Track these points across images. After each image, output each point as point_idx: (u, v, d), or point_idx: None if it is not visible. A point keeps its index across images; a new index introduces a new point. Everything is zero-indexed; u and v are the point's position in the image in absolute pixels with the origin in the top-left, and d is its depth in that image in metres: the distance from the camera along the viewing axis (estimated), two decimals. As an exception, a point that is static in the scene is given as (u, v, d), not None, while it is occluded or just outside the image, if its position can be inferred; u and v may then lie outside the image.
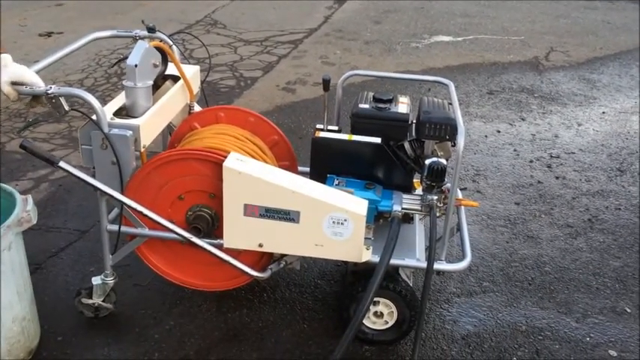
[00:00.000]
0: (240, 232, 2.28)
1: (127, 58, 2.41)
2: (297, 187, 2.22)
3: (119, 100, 2.48)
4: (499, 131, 4.64)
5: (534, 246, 3.27)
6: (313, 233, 2.24)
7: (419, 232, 2.65)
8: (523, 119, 4.86)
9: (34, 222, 2.23)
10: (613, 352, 2.58)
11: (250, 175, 2.18)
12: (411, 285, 2.51)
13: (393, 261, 2.30)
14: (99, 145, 2.26)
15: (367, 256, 2.31)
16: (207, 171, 2.28)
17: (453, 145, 2.43)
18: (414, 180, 2.58)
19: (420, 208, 2.41)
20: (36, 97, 2.18)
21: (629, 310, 2.82)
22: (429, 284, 2.22)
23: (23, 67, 2.16)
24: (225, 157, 2.23)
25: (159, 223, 2.32)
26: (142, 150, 2.33)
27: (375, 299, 2.44)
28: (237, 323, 2.65)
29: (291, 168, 2.68)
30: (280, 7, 7.93)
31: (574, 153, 4.33)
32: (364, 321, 2.50)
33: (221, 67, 5.78)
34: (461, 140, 2.25)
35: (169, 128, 2.81)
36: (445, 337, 2.62)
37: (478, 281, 2.98)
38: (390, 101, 2.53)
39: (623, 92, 5.48)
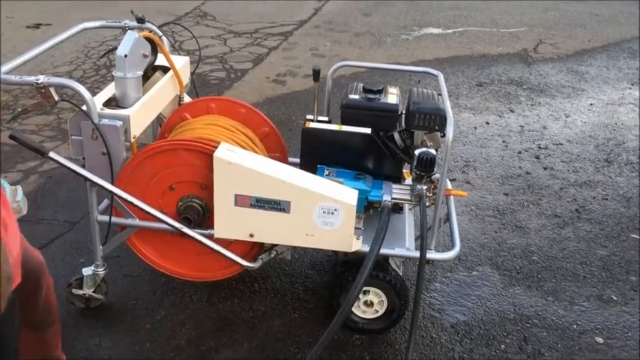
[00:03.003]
0: (231, 223, 2.29)
1: (116, 49, 2.41)
2: (288, 177, 2.23)
3: (109, 91, 2.47)
4: (488, 123, 4.67)
5: (522, 236, 3.30)
6: (304, 223, 2.26)
7: (408, 221, 2.68)
8: (512, 111, 4.89)
9: (25, 213, 2.22)
10: (599, 339, 2.62)
11: (241, 165, 2.19)
12: (400, 274, 2.53)
13: (383, 250, 2.32)
14: (89, 136, 2.26)
15: (357, 245, 2.33)
16: (197, 161, 2.29)
17: (442, 136, 2.45)
18: (404, 170, 2.60)
19: (409, 198, 2.44)
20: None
21: (615, 298, 2.86)
22: (423, 274, 2.24)
23: None
24: (216, 147, 2.24)
25: (149, 214, 2.32)
26: (132, 140, 2.33)
27: (366, 288, 2.46)
28: (229, 313, 2.66)
29: (282, 159, 2.69)
30: (270, -1, 7.91)
31: (562, 144, 4.37)
32: (355, 310, 2.52)
33: (211, 59, 5.77)
34: (450, 131, 2.27)
35: (159, 119, 2.81)
36: (434, 325, 2.65)
37: (467, 270, 3.01)
38: (379, 92, 2.54)
39: (610, 84, 5.52)
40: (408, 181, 2.55)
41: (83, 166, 2.32)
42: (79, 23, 2.66)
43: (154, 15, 6.77)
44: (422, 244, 2.24)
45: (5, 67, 2.20)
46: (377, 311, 2.52)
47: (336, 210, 2.23)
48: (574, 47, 6.48)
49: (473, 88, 5.32)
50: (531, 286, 2.92)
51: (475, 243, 3.22)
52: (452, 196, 2.72)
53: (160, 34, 2.73)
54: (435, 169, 2.37)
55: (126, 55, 2.37)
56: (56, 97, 2.18)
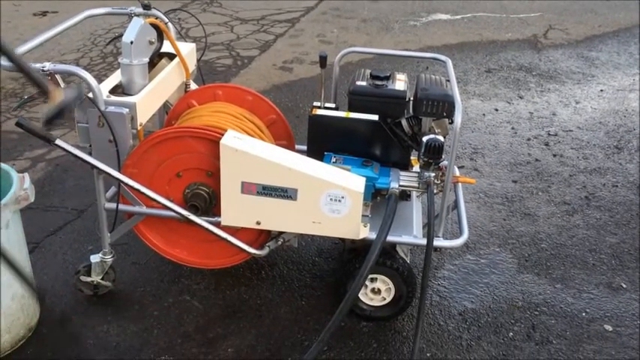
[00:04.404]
0: (238, 210, 2.29)
1: (122, 36, 2.40)
2: (295, 164, 2.22)
3: (115, 78, 2.46)
4: (497, 109, 4.63)
5: (531, 223, 3.28)
6: (311, 210, 2.25)
7: (416, 209, 2.66)
8: (521, 97, 4.85)
9: (32, 200, 2.23)
10: (608, 327, 2.60)
11: (247, 152, 2.18)
12: (408, 262, 2.52)
13: (391, 238, 2.31)
14: (95, 123, 2.25)
15: (364, 233, 2.32)
16: (204, 149, 2.28)
17: (450, 123, 2.43)
18: (412, 157, 2.58)
19: (417, 185, 2.42)
20: None
21: (624, 286, 2.84)
22: (430, 262, 2.23)
23: None
24: (222, 134, 2.23)
25: (156, 201, 2.32)
26: (139, 128, 2.32)
27: (373, 276, 2.46)
28: (236, 300, 2.67)
29: (289, 147, 2.68)
30: (277, -15, 7.85)
31: (572, 131, 4.33)
32: (362, 298, 2.52)
33: (217, 46, 5.74)
34: (458, 117, 2.25)
35: (166, 106, 2.80)
36: (442, 313, 2.64)
37: (475, 258, 2.99)
38: (387, 78, 2.52)
39: (621, 70, 5.46)
40: (416, 168, 2.53)
41: (90, 154, 2.32)
42: (85, 10, 2.65)
43: (160, 2, 6.74)
44: (429, 232, 2.23)
45: (11, 55, 2.19)
46: (384, 299, 2.52)
47: (343, 197, 2.21)
48: (584, 33, 6.40)
49: (482, 75, 5.27)
50: (540, 274, 2.91)
51: (483, 230, 3.21)
52: (460, 184, 2.71)
53: (166, 20, 2.71)
54: (443, 156, 2.35)
55: (132, 42, 2.35)
56: (62, 85, 2.17)
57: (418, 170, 2.44)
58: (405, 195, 2.64)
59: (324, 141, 2.49)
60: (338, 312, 2.10)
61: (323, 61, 2.54)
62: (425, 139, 2.33)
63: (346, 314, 2.13)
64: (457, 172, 2.80)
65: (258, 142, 2.32)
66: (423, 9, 7.07)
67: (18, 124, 2.12)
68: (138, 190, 2.31)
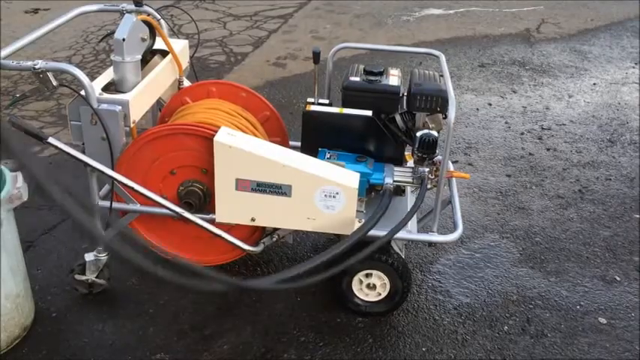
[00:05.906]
0: (233, 207, 2.29)
1: (114, 33, 2.39)
2: (289, 160, 2.21)
3: (108, 76, 2.45)
4: (490, 104, 4.64)
5: (525, 217, 3.29)
6: (305, 207, 2.25)
7: (410, 204, 2.66)
8: (514, 92, 4.86)
9: (25, 199, 2.22)
10: (603, 320, 2.62)
11: (241, 149, 2.18)
12: (403, 257, 2.52)
13: (385, 233, 2.31)
14: (88, 121, 2.24)
15: (359, 228, 2.32)
16: (198, 146, 2.27)
17: (444, 118, 2.43)
18: (406, 153, 2.59)
19: (411, 180, 2.42)
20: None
21: (618, 279, 2.86)
22: (383, 241, 2.29)
23: None
24: (216, 131, 2.22)
25: (150, 199, 2.31)
26: (132, 125, 2.31)
27: (368, 271, 2.46)
28: (231, 297, 2.66)
29: (283, 144, 2.67)
30: (269, -19, 7.82)
31: (565, 125, 4.34)
32: (358, 293, 2.52)
33: (210, 42, 5.72)
34: (452, 112, 2.25)
35: (159, 103, 2.79)
36: (437, 308, 2.65)
37: (470, 252, 3.00)
38: (380, 74, 2.52)
39: (613, 63, 5.47)
40: (410, 163, 2.54)
41: (83, 152, 2.31)
42: (77, 7, 2.63)
43: (152, -2, 6.71)
44: (400, 223, 2.25)
45: (3, 53, 2.18)
46: (380, 294, 2.52)
47: (337, 193, 2.22)
48: (577, 27, 6.42)
49: (475, 69, 5.28)
50: (534, 267, 2.92)
51: (478, 225, 3.22)
52: (454, 178, 2.71)
53: (159, 17, 2.70)
54: (437, 151, 2.36)
55: (124, 39, 2.34)
56: (54, 82, 2.16)
57: (412, 165, 2.44)
58: (399, 190, 2.64)
59: (318, 137, 2.49)
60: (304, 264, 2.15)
61: (316, 57, 2.54)
62: (419, 134, 2.33)
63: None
64: (451, 167, 2.81)
65: (252, 139, 2.32)
66: (415, 4, 7.07)
67: (10, 123, 2.11)
68: (131, 188, 2.30)
